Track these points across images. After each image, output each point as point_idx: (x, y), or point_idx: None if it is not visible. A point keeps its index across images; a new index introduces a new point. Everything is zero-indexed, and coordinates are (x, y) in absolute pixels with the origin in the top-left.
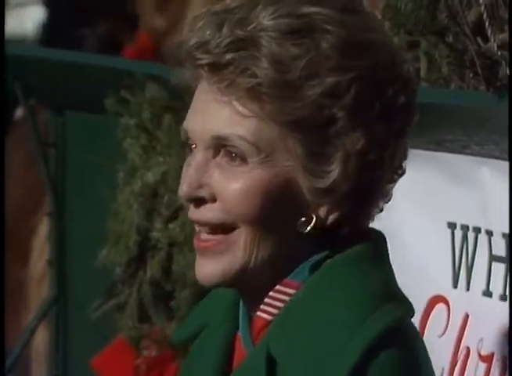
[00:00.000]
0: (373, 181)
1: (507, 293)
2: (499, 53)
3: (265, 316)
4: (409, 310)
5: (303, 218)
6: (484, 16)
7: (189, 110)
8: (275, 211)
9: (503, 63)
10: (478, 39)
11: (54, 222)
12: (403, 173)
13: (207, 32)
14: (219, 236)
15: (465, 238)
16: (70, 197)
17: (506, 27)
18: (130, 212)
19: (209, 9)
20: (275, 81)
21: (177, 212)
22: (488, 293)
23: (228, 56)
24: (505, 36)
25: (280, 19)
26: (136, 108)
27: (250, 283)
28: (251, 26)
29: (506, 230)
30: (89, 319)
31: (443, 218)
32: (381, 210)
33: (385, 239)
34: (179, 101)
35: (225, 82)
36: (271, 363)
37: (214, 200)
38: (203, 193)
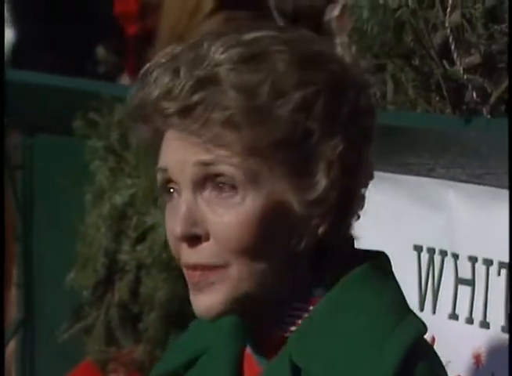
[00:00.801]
0: (352, 187)
1: (473, 316)
2: (465, 77)
3: (281, 333)
4: (425, 325)
5: (295, 239)
6: (450, 39)
7: (163, 154)
8: (269, 236)
9: (469, 86)
10: (444, 62)
11: (22, 244)
12: (373, 178)
13: (166, 80)
14: (213, 270)
15: (431, 261)
16: (38, 219)
17: (473, 50)
18: (98, 235)
19: (155, 61)
20: (246, 109)
21: (145, 234)
22: (454, 316)
23: (196, 97)
24: (471, 59)
25: (231, 51)
26: (104, 130)
27: (254, 308)
28: (206, 63)
29: (472, 253)
30: (57, 342)
31: (409, 241)
32: (358, 217)
33: (389, 258)
34: None
35: (199, 123)
36: (295, 371)
37: (207, 238)
38: (198, 230)
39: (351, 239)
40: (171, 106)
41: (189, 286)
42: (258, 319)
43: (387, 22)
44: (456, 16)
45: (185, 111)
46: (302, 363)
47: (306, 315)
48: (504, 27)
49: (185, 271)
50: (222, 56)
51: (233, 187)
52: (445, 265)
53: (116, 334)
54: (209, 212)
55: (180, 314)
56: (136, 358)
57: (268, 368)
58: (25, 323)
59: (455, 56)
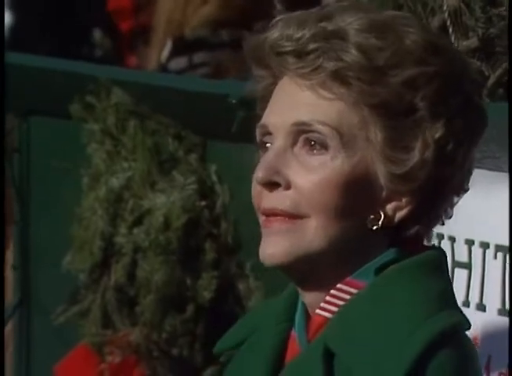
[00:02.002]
0: (444, 178)
1: (470, 299)
2: None
3: (324, 313)
4: (468, 322)
5: (372, 216)
6: (448, 22)
7: (267, 109)
8: (350, 202)
9: None
10: None
11: (18, 227)
12: (466, 189)
13: (289, 27)
14: (286, 218)
15: None
16: (35, 202)
17: (471, 34)
18: (94, 218)
19: (282, 17)
20: (361, 65)
21: (141, 218)
22: None
23: (313, 45)
24: (469, 43)
25: (360, 20)
26: (101, 113)
27: (312, 277)
28: (335, 21)
29: (469, 236)
30: (53, 325)
31: None
32: (443, 223)
33: (446, 256)
34: (144, 106)
35: (310, 67)
36: (328, 356)
37: (288, 187)
38: (279, 179)
39: (422, 234)
40: (288, 45)
41: (262, 232)
42: (313, 293)
43: (385, 5)
44: (454, 0)
45: (301, 53)
46: (335, 347)
47: (349, 298)
48: (502, 10)
49: (261, 218)
50: (353, 20)
51: (325, 147)
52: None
53: (112, 317)
54: (296, 165)
55: (176, 297)
56: (132, 341)
57: (304, 351)
58: (21, 305)
59: (453, 39)
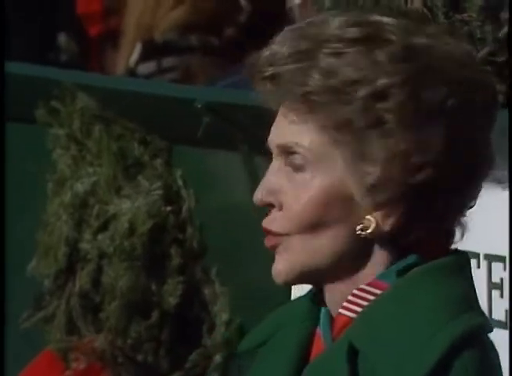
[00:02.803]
0: (425, 184)
1: None
2: None
3: (348, 313)
4: (490, 326)
5: (361, 224)
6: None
7: None
8: (330, 218)
9: None
10: None
11: None
12: (476, 175)
13: (275, 47)
14: (279, 236)
15: None
16: (9, 207)
17: None
18: (59, 223)
19: (288, 27)
20: (322, 88)
21: (107, 223)
22: None
23: (286, 67)
24: None
25: (344, 29)
26: (66, 118)
27: (324, 284)
28: (314, 37)
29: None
30: (18, 331)
31: None
32: (463, 215)
33: (469, 260)
34: (110, 111)
35: (281, 92)
36: (352, 353)
37: (281, 207)
38: (273, 199)
39: (439, 235)
40: (267, 70)
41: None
42: (332, 297)
43: (349, 11)
44: (417, 5)
45: (275, 78)
46: (360, 346)
47: (372, 298)
48: (466, 15)
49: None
50: (333, 32)
51: (303, 167)
52: None
53: (77, 323)
54: (286, 185)
55: (141, 303)
56: (97, 347)
57: (329, 348)
58: None
59: None
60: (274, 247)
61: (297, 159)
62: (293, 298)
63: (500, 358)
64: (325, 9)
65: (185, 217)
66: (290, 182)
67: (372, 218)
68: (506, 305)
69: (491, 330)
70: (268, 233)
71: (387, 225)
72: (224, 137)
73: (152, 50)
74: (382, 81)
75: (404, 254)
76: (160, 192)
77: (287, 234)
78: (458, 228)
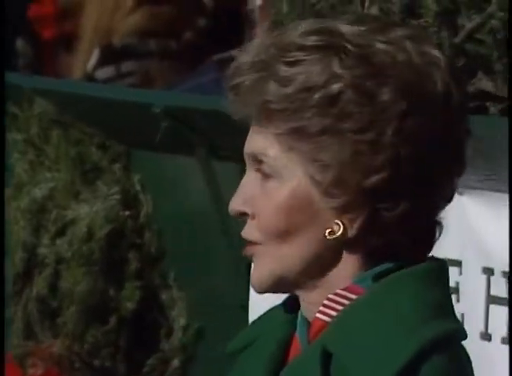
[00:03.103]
0: (381, 187)
1: None
2: None
3: (323, 317)
4: (464, 333)
5: (329, 229)
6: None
7: None
8: (297, 224)
9: None
10: None
11: None
12: (441, 174)
13: (242, 56)
14: (254, 244)
15: None
16: None
17: None
18: (16, 228)
19: (260, 35)
20: (277, 97)
21: (64, 228)
22: None
23: (246, 77)
24: None
25: (305, 36)
26: (24, 123)
27: (298, 290)
28: (276, 46)
29: None
30: None
31: None
32: (435, 223)
33: (447, 267)
34: (68, 116)
35: (244, 102)
36: (326, 356)
37: (253, 217)
38: (246, 208)
39: (415, 238)
40: (232, 81)
41: None
42: (308, 302)
43: (306, 16)
44: (374, 11)
45: (237, 88)
46: (334, 349)
47: (348, 303)
48: (422, 21)
49: None
50: (294, 40)
51: (269, 175)
52: None
53: (34, 328)
54: (258, 194)
55: (99, 308)
56: (54, 352)
57: (304, 352)
58: None
59: None
60: (250, 256)
61: (265, 167)
62: (251, 303)
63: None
64: (282, 13)
65: (144, 222)
66: (261, 191)
67: (339, 222)
68: (462, 309)
69: (464, 337)
70: (246, 241)
71: (353, 229)
72: (182, 142)
73: (110, 55)
74: (332, 87)
75: (378, 257)
76: (118, 197)
77: (260, 243)
78: (437, 229)
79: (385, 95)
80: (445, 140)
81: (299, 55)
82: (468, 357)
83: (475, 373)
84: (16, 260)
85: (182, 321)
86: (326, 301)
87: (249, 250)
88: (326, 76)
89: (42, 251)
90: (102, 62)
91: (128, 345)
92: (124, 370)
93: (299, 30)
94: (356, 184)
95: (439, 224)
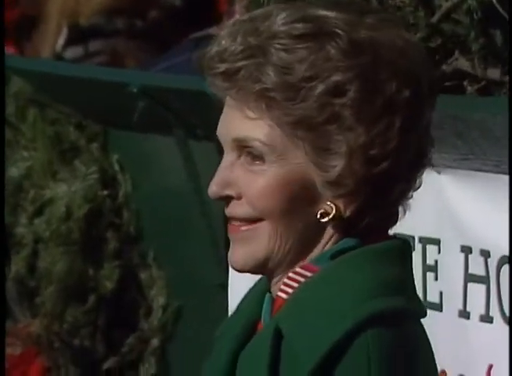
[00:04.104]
0: (382, 174)
1: None
2: None
3: (282, 295)
4: (419, 311)
5: (322, 210)
6: None
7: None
8: (295, 204)
9: None
10: None
11: None
12: (429, 162)
13: (223, 41)
14: (246, 225)
15: None
16: None
17: None
18: None
19: (228, 22)
20: (278, 85)
21: (42, 208)
22: None
23: (239, 64)
24: None
25: (291, 25)
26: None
27: (275, 269)
28: (263, 34)
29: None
30: None
31: None
32: (408, 198)
33: (410, 246)
34: (44, 95)
35: (235, 88)
36: (278, 335)
37: (240, 197)
38: (230, 191)
39: (381, 221)
40: (219, 67)
41: (230, 238)
42: (276, 280)
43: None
44: None
45: (228, 74)
46: (283, 325)
47: (303, 281)
48: (398, 1)
49: (228, 223)
50: (280, 28)
51: (262, 159)
52: None
53: (13, 308)
54: (243, 174)
55: (78, 288)
56: (33, 332)
57: (262, 330)
58: None
59: None
60: (238, 235)
61: (255, 151)
62: (230, 282)
63: (426, 342)
64: None
65: (122, 201)
66: (247, 174)
67: (332, 205)
68: (441, 288)
69: (421, 315)
70: (234, 219)
71: (347, 212)
72: (159, 121)
73: (78, 35)
74: (336, 78)
75: (345, 236)
76: (96, 176)
77: (254, 221)
78: (401, 209)
79: (389, 83)
80: (428, 128)
81: (292, 43)
82: (419, 336)
83: (453, 350)
84: None
85: (162, 300)
86: (285, 280)
87: (240, 228)
88: (329, 65)
89: (20, 230)
90: (70, 42)
91: (107, 325)
92: (103, 350)
93: (281, 19)
94: (363, 173)
95: (406, 204)
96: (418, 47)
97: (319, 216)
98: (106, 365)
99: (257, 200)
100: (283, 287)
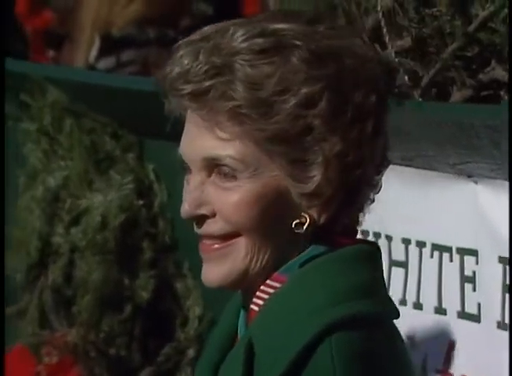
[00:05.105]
0: (355, 180)
1: (407, 297)
2: (397, 60)
3: (255, 308)
4: (388, 312)
5: (297, 220)
6: (382, 22)
7: (182, 136)
8: (270, 216)
9: (401, 69)
10: (376, 46)
11: None
12: (388, 164)
13: (186, 62)
14: (220, 243)
15: None
16: None
17: (404, 34)
18: (31, 217)
19: (186, 39)
20: (250, 101)
21: (79, 217)
22: None
23: (207, 83)
24: (402, 43)
25: (251, 40)
26: (37, 112)
27: (252, 283)
28: (225, 51)
29: (406, 235)
30: None
31: None
32: (372, 201)
33: (378, 248)
34: (80, 105)
35: (206, 109)
36: (250, 347)
37: (214, 214)
38: (204, 210)
39: (349, 225)
40: (185, 88)
41: (202, 256)
42: (252, 293)
43: (318, 5)
44: (387, 0)
45: (196, 95)
46: (253, 336)
47: (272, 292)
48: (435, 10)
49: (200, 243)
50: (241, 45)
51: (235, 176)
52: None
53: (49, 317)
54: (215, 194)
55: (114, 297)
56: (69, 341)
57: (237, 343)
58: None
59: (386, 39)
60: (211, 254)
61: (228, 169)
62: None
63: (401, 347)
64: (294, 2)
65: (157, 211)
66: (218, 191)
67: (306, 215)
68: (478, 299)
69: (391, 318)
70: (207, 237)
71: (321, 220)
72: None
73: (110, 45)
74: (306, 90)
75: (316, 243)
76: (131, 186)
77: (229, 237)
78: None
79: (357, 90)
80: (387, 130)
81: (255, 58)
82: (388, 339)
83: (492, 361)
84: (30, 249)
85: (197, 311)
86: (258, 292)
87: (213, 246)
88: (295, 79)
89: (57, 240)
90: (103, 52)
91: (142, 335)
92: (138, 359)
93: (240, 35)
94: (340, 181)
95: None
96: (374, 51)
97: (294, 227)
98: (141, 375)
99: (232, 215)
100: (255, 299)
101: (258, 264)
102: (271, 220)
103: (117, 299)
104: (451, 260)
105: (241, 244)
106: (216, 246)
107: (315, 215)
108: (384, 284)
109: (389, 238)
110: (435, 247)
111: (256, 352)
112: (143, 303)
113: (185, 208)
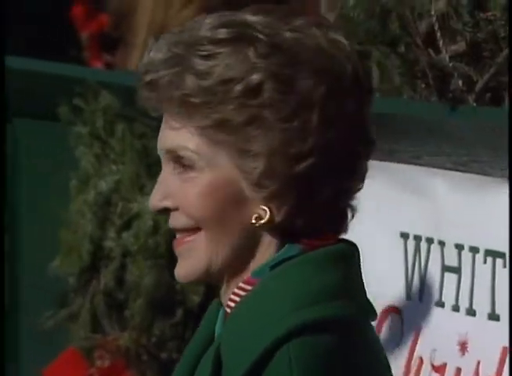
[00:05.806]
0: (306, 172)
1: (459, 303)
2: (451, 65)
3: (228, 310)
4: (361, 312)
5: (256, 214)
6: (436, 26)
7: None
8: (226, 209)
9: (455, 74)
10: (430, 50)
11: (8, 232)
12: (363, 163)
13: (151, 54)
14: (186, 237)
15: (418, 248)
16: (23, 206)
17: (459, 38)
18: (83, 221)
19: (163, 35)
20: (196, 90)
21: (130, 221)
22: (440, 303)
23: (161, 73)
24: (457, 47)
25: (214, 30)
26: (89, 116)
27: (219, 278)
28: (188, 41)
29: (459, 241)
30: (40, 328)
31: (396, 229)
32: (347, 206)
33: (356, 249)
34: (132, 109)
35: (161, 99)
36: (219, 353)
37: (177, 208)
38: (167, 203)
39: (327, 222)
40: (144, 78)
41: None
42: (225, 293)
43: (372, 9)
44: (441, 4)
45: (152, 84)
46: (221, 340)
47: (244, 295)
48: (490, 14)
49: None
50: (204, 34)
51: (192, 167)
52: (431, 252)
53: (101, 321)
54: (178, 186)
55: (165, 301)
56: (121, 345)
57: (212, 345)
58: (9, 310)
59: (440, 43)
60: (180, 248)
61: (186, 161)
62: None
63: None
64: (349, 7)
65: None
66: (181, 184)
67: (266, 209)
68: None
69: (366, 319)
70: (176, 231)
71: (280, 215)
72: None
73: None
74: (253, 78)
75: (289, 243)
76: None
77: (193, 231)
78: (348, 211)
79: (304, 81)
80: (358, 123)
81: (212, 48)
82: (358, 339)
83: None
84: (82, 253)
85: None
86: (231, 295)
87: (181, 242)
88: (245, 67)
89: (108, 244)
90: None
91: None
92: None
93: (207, 25)
94: (286, 172)
95: (352, 206)
96: (343, 45)
97: (253, 221)
98: None
99: (190, 209)
100: (228, 302)
101: (220, 258)
102: (227, 213)
103: (168, 303)
104: (504, 266)
105: (201, 238)
106: (184, 240)
107: (273, 210)
108: (361, 284)
109: (442, 243)
110: (488, 252)
111: (222, 356)
112: (194, 307)
113: (151, 201)
